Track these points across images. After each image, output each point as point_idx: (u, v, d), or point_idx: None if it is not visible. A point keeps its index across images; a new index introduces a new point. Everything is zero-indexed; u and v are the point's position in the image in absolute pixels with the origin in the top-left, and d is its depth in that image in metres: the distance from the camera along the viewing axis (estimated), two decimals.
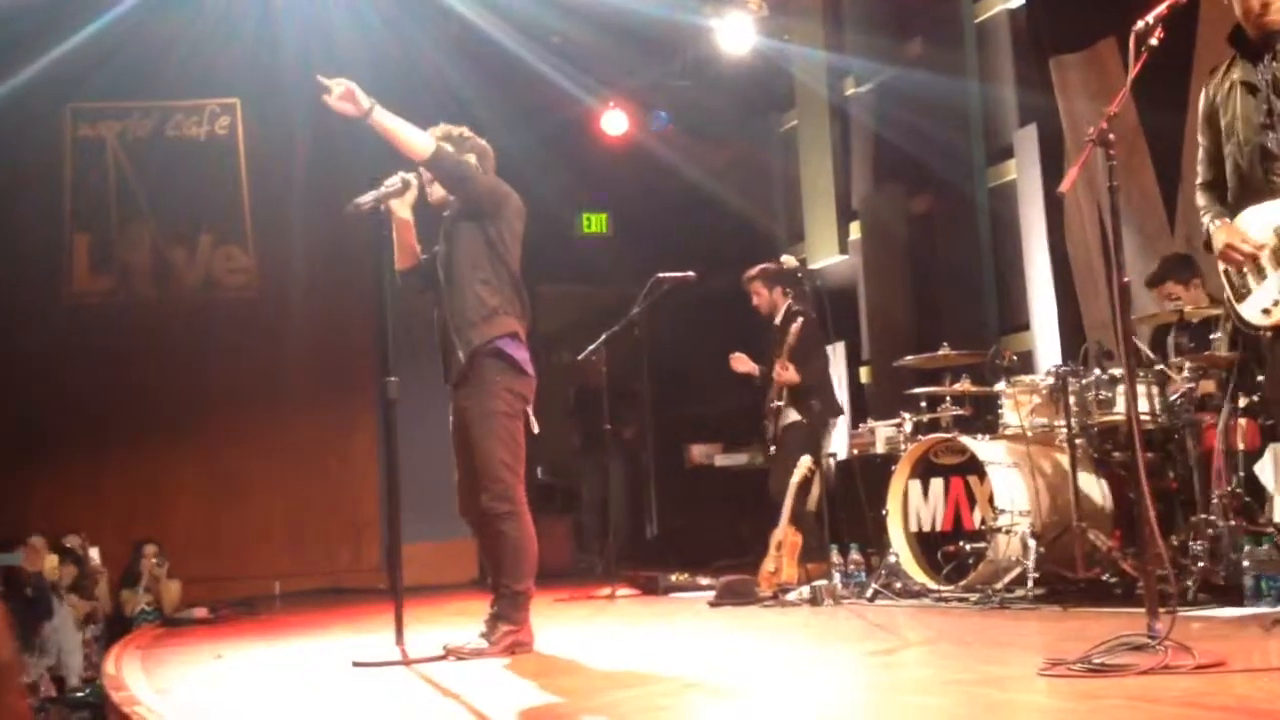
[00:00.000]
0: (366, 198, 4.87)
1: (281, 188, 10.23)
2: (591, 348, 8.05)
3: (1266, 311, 3.90)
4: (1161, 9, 3.79)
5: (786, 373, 7.07)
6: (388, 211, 4.87)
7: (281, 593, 9.54)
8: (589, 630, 5.81)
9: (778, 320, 7.34)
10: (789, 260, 7.25)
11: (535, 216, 10.85)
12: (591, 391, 8.88)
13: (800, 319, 7.08)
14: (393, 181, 4.91)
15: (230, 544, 9.65)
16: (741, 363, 7.43)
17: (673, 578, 7.67)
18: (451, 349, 4.74)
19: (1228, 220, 4.00)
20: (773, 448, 7.22)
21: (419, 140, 4.76)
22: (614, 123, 10.85)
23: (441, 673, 4.21)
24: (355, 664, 4.49)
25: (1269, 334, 3.94)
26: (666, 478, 10.81)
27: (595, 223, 11.46)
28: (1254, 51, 3.98)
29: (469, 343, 4.70)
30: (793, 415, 7.12)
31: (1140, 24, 3.75)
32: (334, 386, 10.07)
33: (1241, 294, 3.97)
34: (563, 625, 5.79)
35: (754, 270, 7.46)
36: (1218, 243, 4.00)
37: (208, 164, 10.34)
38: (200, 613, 7.65)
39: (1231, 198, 4.02)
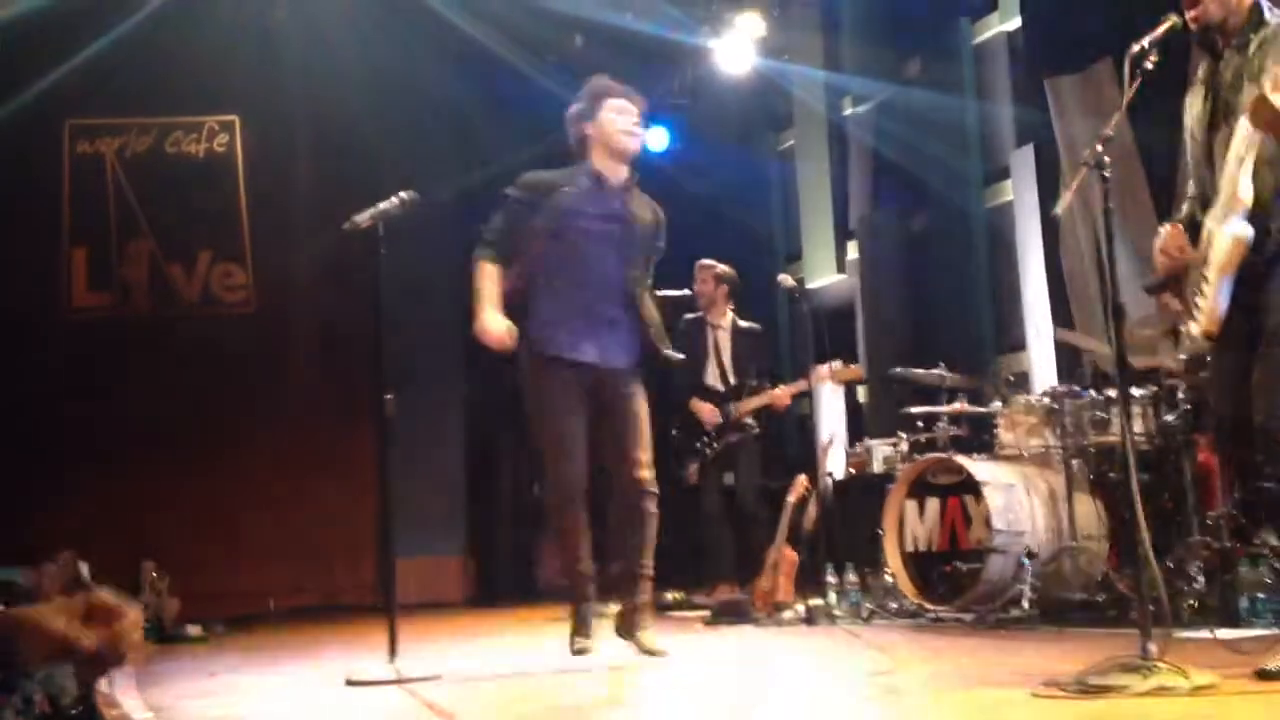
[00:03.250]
0: (364, 215, 4.90)
1: (280, 205, 10.25)
2: None
3: (1196, 320, 3.80)
4: (1157, 33, 3.80)
5: (784, 396, 7.17)
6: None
7: (276, 609, 9.51)
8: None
9: (723, 324, 7.39)
10: (786, 280, 7.27)
11: None
12: None
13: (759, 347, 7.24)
14: (391, 201, 4.94)
15: (225, 560, 9.62)
16: (707, 412, 7.46)
17: (669, 596, 7.66)
18: (617, 331, 4.86)
19: (1178, 224, 3.91)
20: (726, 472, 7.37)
21: None
22: None
23: (434, 692, 4.20)
24: (349, 682, 4.48)
25: (1209, 346, 3.86)
26: (665, 496, 10.77)
27: None
28: (1211, 50, 3.91)
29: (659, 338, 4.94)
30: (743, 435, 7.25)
31: (1136, 47, 3.76)
32: (331, 404, 10.06)
33: (1187, 307, 3.92)
34: (558, 643, 5.78)
35: (711, 263, 7.53)
36: (1157, 242, 3.93)
37: (206, 181, 10.35)
38: (195, 630, 7.62)
39: (1199, 201, 3.94)
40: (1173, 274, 3.86)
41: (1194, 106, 3.94)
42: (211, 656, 6.25)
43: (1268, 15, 3.79)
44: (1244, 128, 3.58)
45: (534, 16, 9.51)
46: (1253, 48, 3.74)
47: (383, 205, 4.93)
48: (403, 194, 4.97)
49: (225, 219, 10.35)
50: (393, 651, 4.58)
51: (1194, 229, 3.84)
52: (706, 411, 7.45)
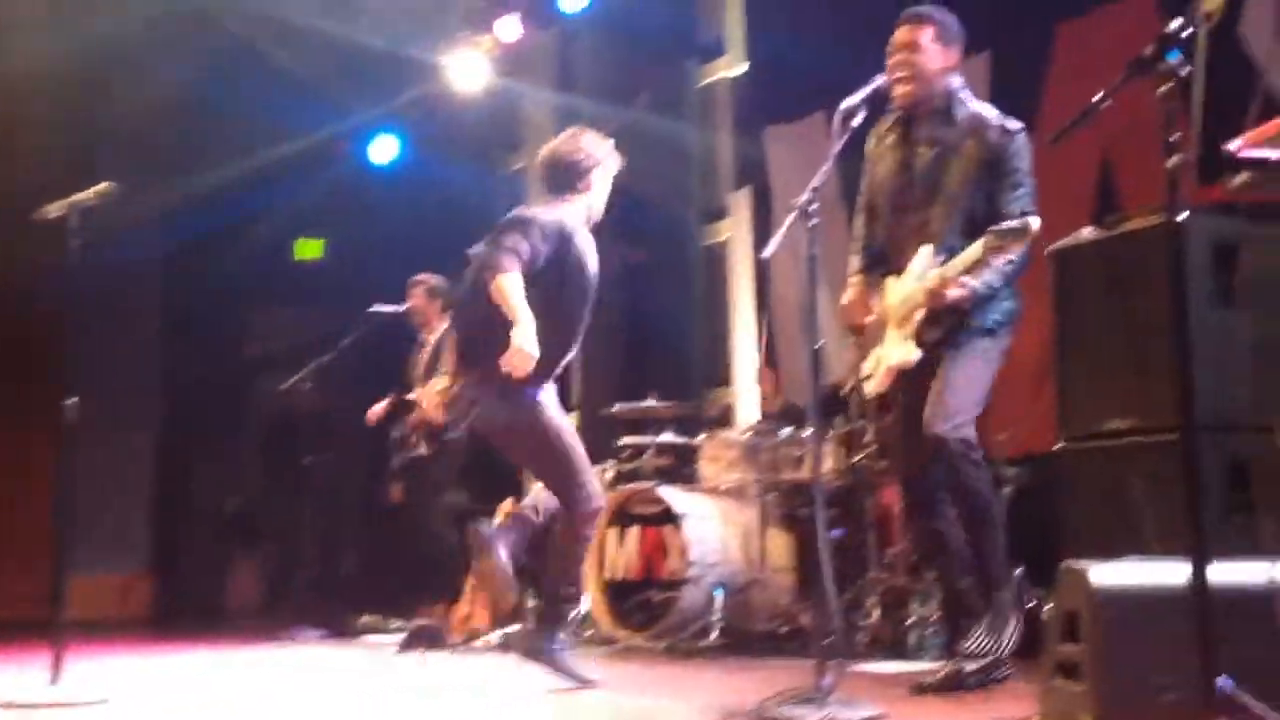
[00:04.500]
0: (55, 205, 4.61)
1: None
2: (297, 377, 7.81)
3: (866, 380, 4.30)
4: (865, 91, 4.02)
5: (431, 405, 7.01)
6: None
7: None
8: (259, 676, 5.57)
9: (430, 339, 7.31)
10: None
11: (252, 239, 10.47)
12: (294, 422, 8.59)
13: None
14: (86, 193, 4.65)
15: None
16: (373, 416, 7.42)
17: (362, 619, 7.46)
18: None
19: (862, 279, 4.35)
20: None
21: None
22: (340, 150, 10.58)
23: (97, 716, 3.94)
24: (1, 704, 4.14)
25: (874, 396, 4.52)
26: (368, 516, 10.54)
27: (309, 249, 11.14)
28: (905, 121, 4.28)
29: None
30: (423, 448, 7.16)
31: (846, 103, 3.97)
32: (5, 405, 9.35)
33: (865, 353, 4.34)
34: (238, 669, 5.54)
35: (424, 277, 7.42)
36: (844, 297, 4.37)
37: None
38: None
39: (878, 257, 4.35)
40: (857, 332, 4.34)
41: (882, 164, 4.25)
42: None
43: (957, 108, 4.15)
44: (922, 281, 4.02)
45: (258, 21, 9.17)
46: (960, 138, 4.13)
47: (77, 196, 4.64)
48: (101, 185, 4.69)
49: None
50: (56, 671, 4.27)
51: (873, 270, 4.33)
52: (371, 416, 7.43)
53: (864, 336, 4.31)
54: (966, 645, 3.95)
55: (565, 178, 4.83)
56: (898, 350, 4.09)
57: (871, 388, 4.30)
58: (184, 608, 9.41)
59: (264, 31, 9.24)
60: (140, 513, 9.80)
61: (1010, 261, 3.95)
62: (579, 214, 4.80)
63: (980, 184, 4.07)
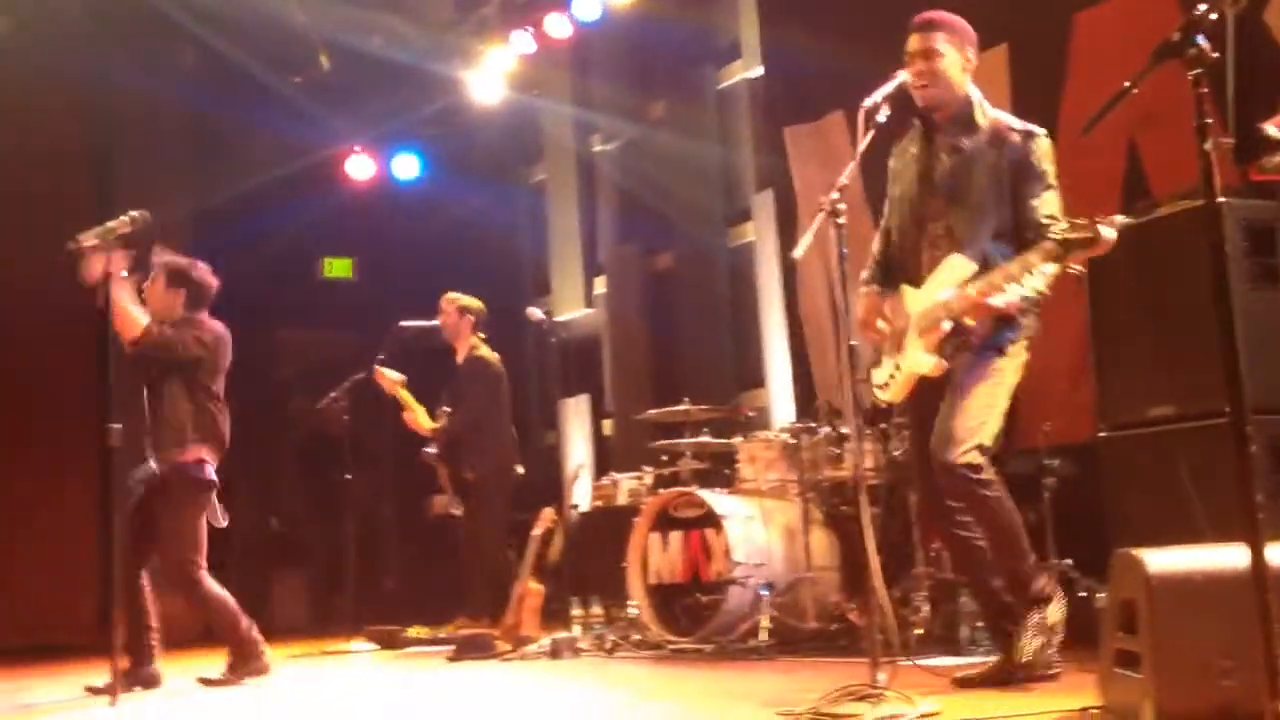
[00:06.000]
0: (90, 234, 4.69)
1: (2, 222, 9.56)
2: (333, 394, 7.89)
3: (881, 387, 4.24)
4: (889, 87, 4.03)
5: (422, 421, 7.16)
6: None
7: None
8: (326, 687, 5.63)
9: (459, 356, 7.36)
10: (534, 313, 7.28)
11: (276, 259, 10.55)
12: (331, 440, 8.65)
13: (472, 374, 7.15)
14: (121, 220, 4.72)
15: None
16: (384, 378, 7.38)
17: (411, 632, 7.52)
18: None
19: (875, 290, 4.27)
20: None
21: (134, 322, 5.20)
22: (359, 167, 10.66)
23: None
24: None
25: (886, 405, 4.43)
26: (408, 529, 10.62)
27: (338, 267, 11.22)
28: (928, 126, 4.23)
29: None
30: (468, 470, 7.17)
31: (869, 101, 3.98)
32: (47, 433, 9.44)
33: (876, 360, 4.28)
34: (300, 680, 5.61)
35: (456, 295, 7.43)
36: (857, 310, 4.24)
37: None
38: None
39: (894, 266, 4.28)
40: (873, 342, 4.26)
41: (905, 174, 4.23)
42: None
43: (978, 115, 4.13)
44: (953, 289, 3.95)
45: (281, 36, 9.26)
46: (983, 144, 4.08)
47: (111, 224, 4.71)
48: (133, 212, 4.76)
49: None
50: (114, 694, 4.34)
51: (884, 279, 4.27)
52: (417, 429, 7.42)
53: (879, 344, 4.25)
54: (1016, 644, 3.93)
55: None
56: (919, 359, 4.04)
57: (888, 396, 4.23)
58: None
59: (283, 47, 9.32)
60: None
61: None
62: None
63: (1006, 189, 4.04)
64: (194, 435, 5.37)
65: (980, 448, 3.94)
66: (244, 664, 5.38)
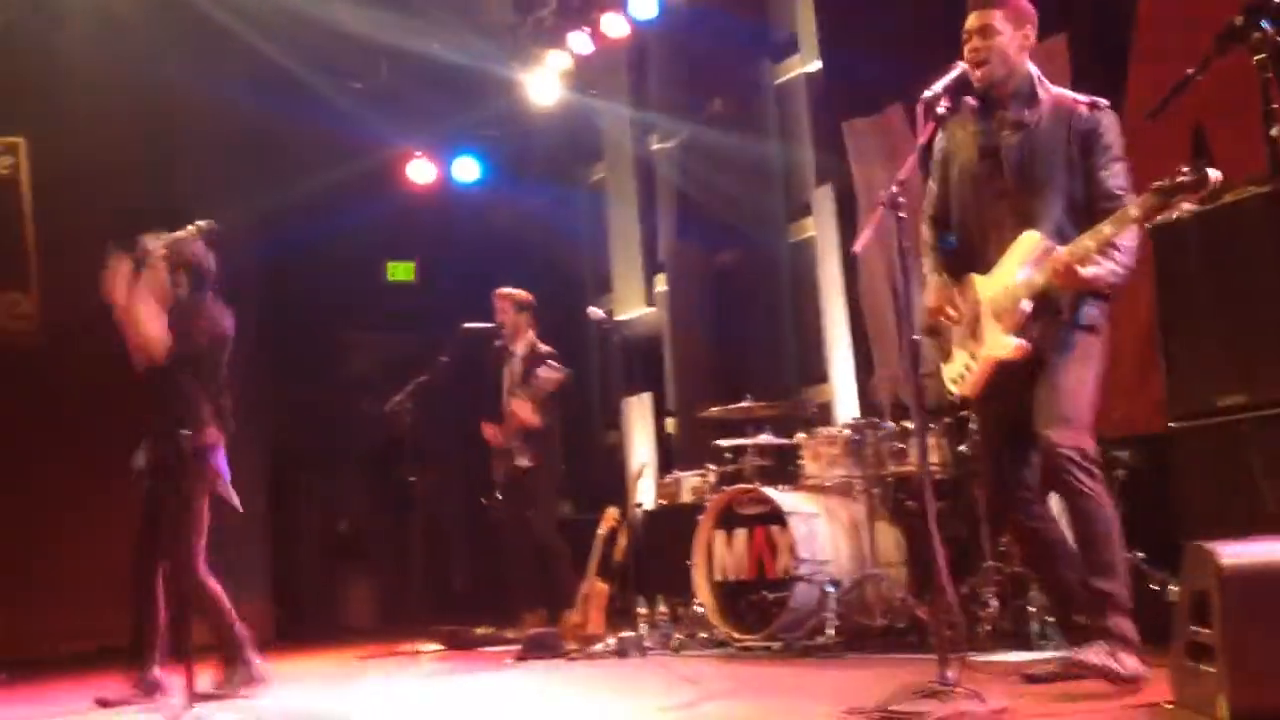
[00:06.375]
0: (158, 244, 4.78)
1: (71, 231, 9.76)
2: (398, 397, 7.96)
3: (955, 381, 4.14)
4: (948, 78, 4.00)
5: (524, 411, 7.16)
6: None
7: (60, 654, 9.00)
8: (397, 687, 5.69)
9: (518, 350, 7.40)
10: (595, 313, 7.31)
11: (339, 263, 10.67)
12: (396, 442, 8.74)
13: (559, 373, 7.20)
14: (188, 229, 4.81)
15: (7, 602, 9.08)
16: (490, 433, 7.51)
17: (478, 631, 7.58)
18: None
19: (943, 277, 4.16)
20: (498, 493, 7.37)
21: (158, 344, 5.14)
22: (420, 171, 10.76)
23: None
24: None
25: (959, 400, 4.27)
26: (473, 529, 10.70)
27: (401, 270, 11.34)
28: (985, 107, 4.14)
29: None
30: (525, 460, 7.22)
31: (928, 92, 3.95)
32: (120, 439, 9.61)
33: (945, 354, 4.18)
34: (369, 682, 5.67)
35: (509, 291, 7.54)
36: (928, 298, 4.17)
37: None
38: None
39: (955, 254, 4.19)
40: (938, 329, 4.16)
41: (961, 154, 4.15)
42: None
43: (1039, 90, 4.07)
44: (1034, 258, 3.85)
45: (339, 41, 9.36)
46: (1047, 119, 4.01)
47: (179, 233, 4.79)
48: (200, 222, 4.84)
49: (9, 245, 9.82)
50: (190, 699, 4.39)
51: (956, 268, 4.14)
52: (489, 432, 7.46)
53: (943, 337, 4.16)
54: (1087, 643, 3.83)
55: None
56: (999, 342, 3.92)
57: (963, 391, 4.12)
58: (302, 629, 9.62)
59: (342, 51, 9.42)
60: (260, 544, 9.98)
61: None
62: None
63: (1076, 163, 3.97)
64: (205, 416, 5.26)
65: (1092, 431, 3.85)
66: (235, 673, 5.21)
